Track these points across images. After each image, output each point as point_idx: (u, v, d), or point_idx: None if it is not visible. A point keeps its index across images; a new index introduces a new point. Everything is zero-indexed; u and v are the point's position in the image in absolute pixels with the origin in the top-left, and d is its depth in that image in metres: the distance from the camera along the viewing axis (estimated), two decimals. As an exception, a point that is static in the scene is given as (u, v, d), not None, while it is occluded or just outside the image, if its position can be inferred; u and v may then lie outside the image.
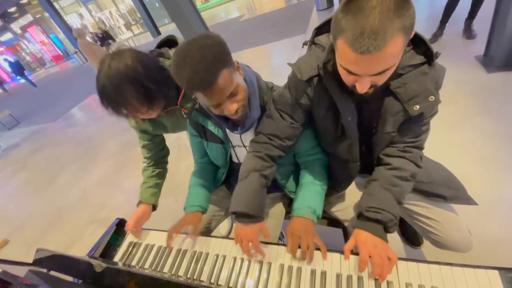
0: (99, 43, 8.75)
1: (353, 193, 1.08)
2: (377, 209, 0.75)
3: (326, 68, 0.75)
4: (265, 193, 0.92)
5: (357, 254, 0.75)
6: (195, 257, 0.92)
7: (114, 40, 9.57)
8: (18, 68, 12.62)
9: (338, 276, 0.73)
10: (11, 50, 22.63)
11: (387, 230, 0.75)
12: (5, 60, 16.08)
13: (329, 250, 0.80)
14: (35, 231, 2.71)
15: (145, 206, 1.19)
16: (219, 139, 1.01)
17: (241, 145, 1.02)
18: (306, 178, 0.97)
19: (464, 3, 2.83)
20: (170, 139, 3.30)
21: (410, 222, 1.00)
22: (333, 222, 1.15)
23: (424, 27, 3.51)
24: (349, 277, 0.72)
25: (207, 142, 1.06)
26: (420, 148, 0.82)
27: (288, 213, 1.19)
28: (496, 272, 0.62)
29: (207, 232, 1.15)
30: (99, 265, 0.77)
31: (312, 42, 0.81)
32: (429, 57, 0.68)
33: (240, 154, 1.06)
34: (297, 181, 1.12)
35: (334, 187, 1.02)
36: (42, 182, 3.67)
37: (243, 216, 0.86)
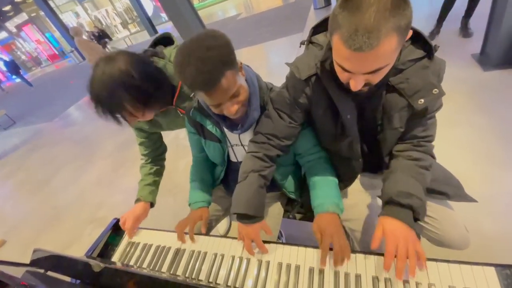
0: (95, 41, 8.70)
1: (354, 193, 1.05)
2: (407, 194, 0.72)
3: (324, 66, 0.75)
4: (265, 192, 0.92)
5: (357, 252, 0.76)
6: (194, 256, 0.92)
7: (110, 38, 9.52)
8: (14, 67, 12.49)
9: (336, 274, 0.73)
10: (6, 49, 22.42)
11: (416, 218, 0.72)
12: (0, 59, 15.92)
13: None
14: (32, 232, 2.70)
15: (143, 204, 1.18)
16: (217, 138, 1.01)
17: (239, 144, 1.02)
18: (317, 176, 0.95)
19: (461, 1, 2.84)
20: (168, 138, 3.28)
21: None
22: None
23: (421, 25, 3.52)
24: (347, 275, 0.72)
25: (205, 140, 1.06)
26: (431, 141, 0.83)
27: (287, 212, 1.20)
28: (492, 268, 0.62)
29: (206, 231, 1.15)
30: (97, 265, 0.77)
31: (310, 41, 0.81)
32: (428, 50, 0.68)
33: (239, 153, 1.06)
34: (296, 181, 1.12)
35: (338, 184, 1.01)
36: (39, 182, 3.65)
37: (244, 217, 0.87)
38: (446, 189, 0.88)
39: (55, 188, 3.38)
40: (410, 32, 0.59)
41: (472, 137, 1.84)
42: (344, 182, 0.99)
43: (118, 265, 0.97)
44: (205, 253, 0.92)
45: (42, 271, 0.80)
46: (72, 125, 5.61)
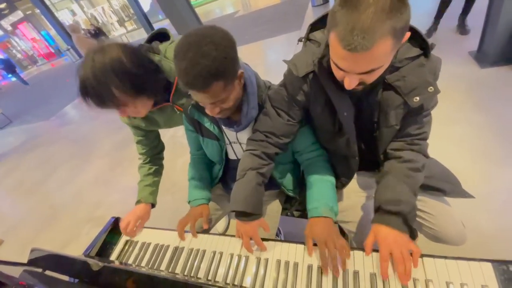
0: (93, 39, 8.63)
1: (350, 194, 1.05)
2: (396, 201, 0.74)
3: (321, 63, 0.75)
4: (263, 190, 0.92)
5: (355, 249, 0.76)
6: (192, 254, 0.92)
7: (107, 36, 9.44)
8: (9, 66, 12.37)
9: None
10: (1, 48, 22.15)
11: (406, 222, 0.73)
12: (-5, 57, 15.75)
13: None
14: (29, 231, 2.69)
15: (145, 205, 1.17)
16: (215, 136, 1.01)
17: (237, 142, 1.02)
18: (314, 175, 0.95)
19: (458, -1, 2.84)
20: (166, 136, 3.28)
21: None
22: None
23: (419, 22, 3.50)
24: (345, 272, 0.72)
25: (203, 138, 1.06)
26: (426, 139, 0.83)
27: (285, 210, 1.20)
28: (489, 264, 0.63)
29: (205, 230, 1.15)
30: (95, 264, 0.76)
31: (307, 39, 0.81)
32: (425, 48, 0.69)
33: (237, 150, 1.06)
34: (295, 179, 1.12)
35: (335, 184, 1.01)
36: (36, 181, 3.63)
37: (242, 215, 0.87)
38: (444, 186, 0.89)
39: (52, 187, 3.37)
40: (407, 35, 0.59)
41: (469, 134, 1.85)
42: (342, 181, 0.99)
43: (117, 263, 0.97)
44: (204, 251, 0.92)
45: (39, 270, 0.80)
46: (69, 124, 5.58)
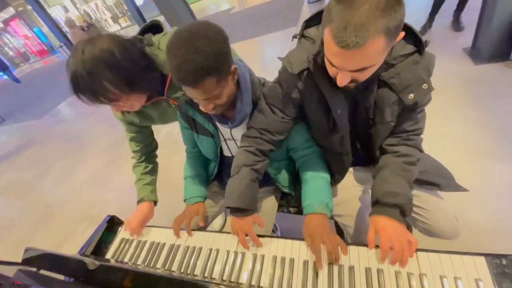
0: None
1: (346, 188, 1.05)
2: (393, 193, 0.75)
3: (316, 61, 0.75)
4: (257, 186, 0.92)
5: (350, 244, 0.77)
6: (188, 252, 0.92)
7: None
8: (1, 64, 12.16)
9: (330, 266, 0.74)
10: (-8, 45, 21.76)
11: (404, 213, 0.75)
12: (-14, 55, 15.46)
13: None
14: (24, 231, 2.66)
15: (148, 203, 1.16)
16: (209, 133, 1.01)
17: (232, 139, 1.02)
18: (309, 172, 0.95)
19: (453, -4, 2.86)
20: (162, 134, 3.26)
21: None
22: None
23: (414, 19, 3.53)
24: (341, 267, 0.73)
25: (197, 135, 1.05)
26: (420, 134, 0.84)
27: (281, 206, 1.20)
28: (482, 258, 0.64)
29: (202, 227, 1.15)
30: (91, 262, 0.76)
31: (302, 35, 0.80)
32: (419, 46, 0.69)
33: (232, 147, 1.05)
34: (290, 175, 1.12)
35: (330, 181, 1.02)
36: (30, 180, 3.59)
37: (236, 211, 0.88)
38: (438, 180, 0.90)
39: (46, 186, 3.33)
40: (401, 35, 0.60)
41: (464, 130, 1.87)
42: (335, 178, 1.00)
43: (112, 262, 0.96)
44: (200, 249, 0.92)
45: (34, 269, 0.79)
46: (62, 122, 5.51)
